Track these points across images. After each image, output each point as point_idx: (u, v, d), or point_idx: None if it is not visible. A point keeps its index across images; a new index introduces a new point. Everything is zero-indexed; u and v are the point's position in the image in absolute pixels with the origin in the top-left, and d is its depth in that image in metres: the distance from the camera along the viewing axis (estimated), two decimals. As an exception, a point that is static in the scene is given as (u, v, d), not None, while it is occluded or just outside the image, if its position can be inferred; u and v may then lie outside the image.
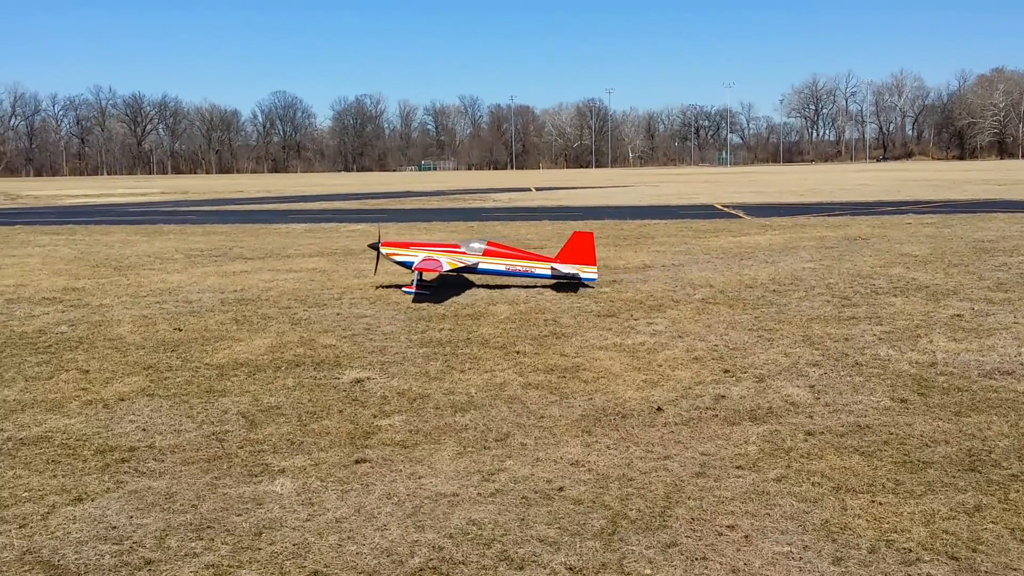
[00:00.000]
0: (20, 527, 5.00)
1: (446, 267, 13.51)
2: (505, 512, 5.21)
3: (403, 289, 13.69)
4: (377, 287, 14.19)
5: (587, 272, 13.82)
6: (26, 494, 5.53)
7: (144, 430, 6.89)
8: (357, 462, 6.12)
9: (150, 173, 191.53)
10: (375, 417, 7.23)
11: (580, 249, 13.83)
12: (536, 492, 5.53)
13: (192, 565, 4.52)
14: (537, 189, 63.60)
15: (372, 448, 6.44)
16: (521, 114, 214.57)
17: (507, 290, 13.83)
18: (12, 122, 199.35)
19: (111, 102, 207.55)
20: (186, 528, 4.99)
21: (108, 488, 5.62)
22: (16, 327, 11.14)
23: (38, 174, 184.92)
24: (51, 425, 7.00)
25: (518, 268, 13.97)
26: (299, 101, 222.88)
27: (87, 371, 8.81)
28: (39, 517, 5.14)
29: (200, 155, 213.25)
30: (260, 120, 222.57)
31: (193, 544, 4.78)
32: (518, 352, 9.58)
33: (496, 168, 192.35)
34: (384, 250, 14.06)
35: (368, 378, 8.49)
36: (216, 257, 19.61)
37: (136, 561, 4.57)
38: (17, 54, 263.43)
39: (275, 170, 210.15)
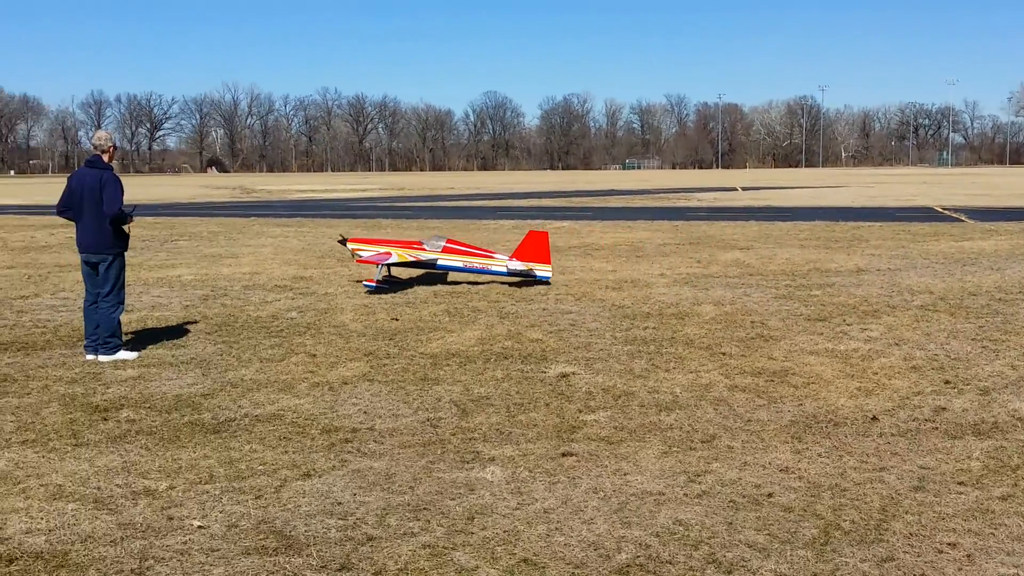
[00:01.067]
0: (256, 498, 5.41)
1: (395, 259, 14.05)
2: (712, 515, 5.17)
3: (364, 283, 14.01)
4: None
5: (541, 270, 14.30)
6: (261, 467, 5.98)
7: (365, 413, 7.29)
8: (564, 455, 6.23)
9: (369, 170, 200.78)
10: (580, 412, 7.32)
11: (535, 247, 14.29)
12: (744, 497, 5.44)
13: (410, 544, 4.75)
14: (743, 189, 62.00)
15: (578, 442, 6.53)
16: (728, 112, 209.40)
17: (711, 291, 13.64)
18: (248, 121, 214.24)
19: (336, 103, 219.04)
20: (404, 508, 5.25)
21: (334, 466, 6.00)
22: (252, 312, 12.04)
23: (270, 170, 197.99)
24: (283, 404, 7.52)
25: (475, 265, 14.48)
26: (509, 101, 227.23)
27: (314, 355, 9.40)
28: (272, 490, 5.55)
29: (415, 153, 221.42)
30: (471, 119, 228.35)
31: (411, 524, 5.02)
32: (724, 353, 9.43)
33: (701, 167, 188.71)
34: (350, 245, 14.68)
35: (573, 373, 8.60)
36: (429, 251, 20.36)
37: (359, 536, 4.86)
38: (254, 58, 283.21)
39: (484, 168, 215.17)
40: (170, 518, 5.08)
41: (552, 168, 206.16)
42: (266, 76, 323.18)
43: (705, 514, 5.17)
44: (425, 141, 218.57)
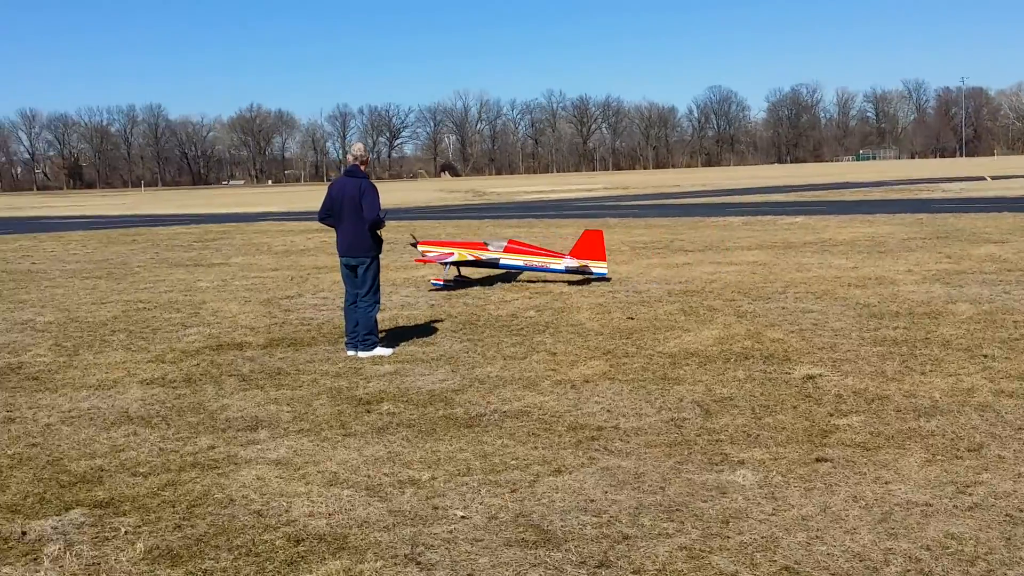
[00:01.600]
0: (511, 491, 5.61)
1: (455, 258, 14.88)
2: (987, 529, 4.85)
3: (431, 281, 15.11)
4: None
5: (596, 267, 14.75)
6: (513, 462, 6.18)
7: (609, 411, 7.37)
8: (817, 460, 6.04)
9: (593, 170, 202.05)
10: (831, 416, 7.07)
11: (590, 245, 14.80)
12: (1022, 511, 5.07)
13: (666, 545, 4.77)
14: (992, 178, 57.40)
15: (831, 447, 6.31)
16: (973, 96, 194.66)
17: (966, 288, 12.77)
18: (478, 126, 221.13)
19: (561, 105, 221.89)
20: (656, 508, 5.27)
21: (583, 463, 6.11)
22: (492, 311, 12.45)
23: (498, 173, 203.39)
24: (529, 401, 7.74)
25: (535, 264, 14.96)
26: (733, 94, 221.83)
27: (555, 353, 9.61)
28: (526, 484, 5.73)
29: (638, 151, 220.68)
30: (695, 115, 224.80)
31: (664, 524, 5.04)
32: (986, 356, 8.79)
33: (943, 156, 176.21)
34: (420, 247, 15.50)
35: (820, 375, 8.30)
36: (659, 249, 20.29)
37: (614, 535, 4.93)
38: (483, 66, 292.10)
39: (708, 164, 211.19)
40: (435, 507, 5.35)
41: (780, 162, 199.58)
42: (494, 82, 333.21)
43: (979, 528, 4.86)
44: (648, 139, 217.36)
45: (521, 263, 15.22)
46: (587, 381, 8.38)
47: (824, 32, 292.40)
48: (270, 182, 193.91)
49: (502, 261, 15.20)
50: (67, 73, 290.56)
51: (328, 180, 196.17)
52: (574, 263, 14.85)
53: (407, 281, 15.87)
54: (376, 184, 9.97)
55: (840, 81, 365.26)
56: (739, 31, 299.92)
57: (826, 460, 6.04)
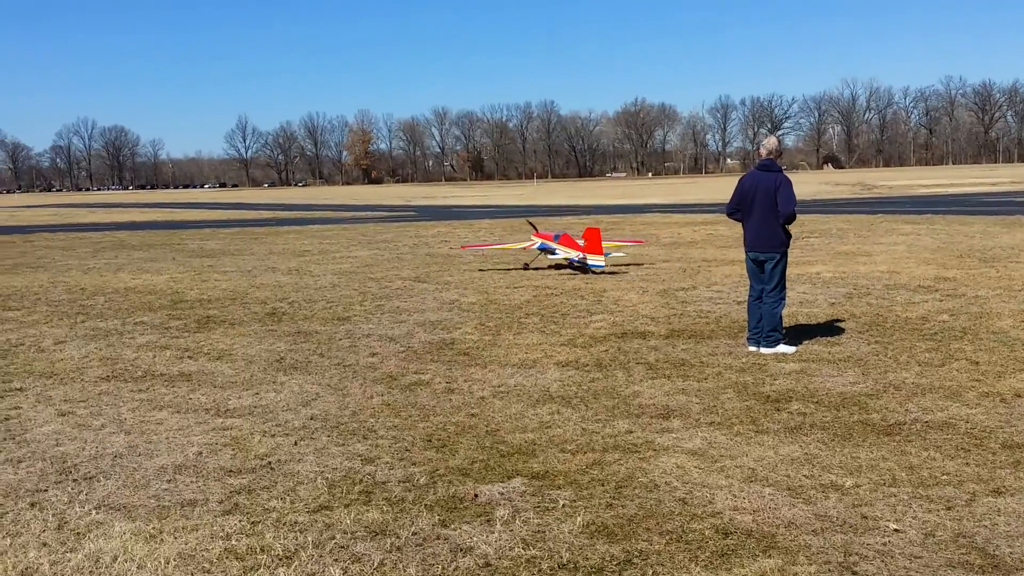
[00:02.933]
0: (947, 508, 5.29)
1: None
2: None
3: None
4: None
5: (593, 259, 16.71)
6: (944, 477, 5.82)
7: (1051, 432, 6.69)
8: None
9: (995, 162, 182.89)
10: None
11: (592, 241, 16.83)
12: None
13: None
14: None
15: None
16: None
17: None
18: (866, 116, 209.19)
19: (960, 91, 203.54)
20: None
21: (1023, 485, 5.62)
22: (900, 312, 11.76)
23: (886, 165, 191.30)
24: (953, 412, 7.23)
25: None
26: None
27: (977, 363, 8.88)
28: (963, 503, 5.38)
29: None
30: None
31: None
32: None
33: None
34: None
35: None
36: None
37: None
38: (874, 52, 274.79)
39: None
40: (864, 516, 5.20)
41: None
42: (886, 69, 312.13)
43: None
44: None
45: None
46: (1019, 396, 7.67)
47: None
48: (650, 174, 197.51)
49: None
50: (474, 73, 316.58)
51: (710, 171, 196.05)
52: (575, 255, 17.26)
53: (801, 277, 15.44)
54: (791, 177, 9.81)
55: None
56: None
57: None
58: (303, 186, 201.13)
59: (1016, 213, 31.46)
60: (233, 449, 6.80)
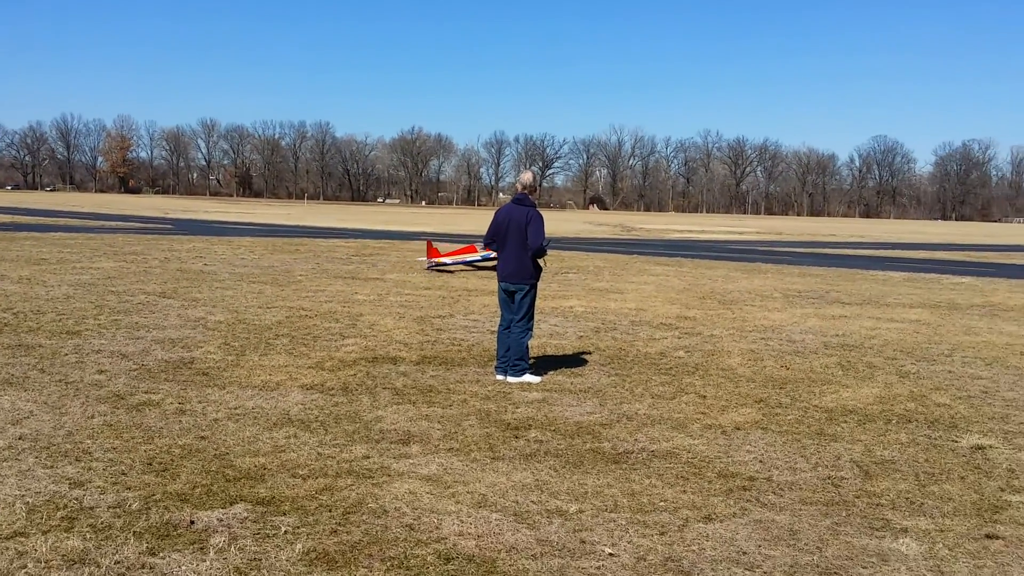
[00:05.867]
0: (660, 534, 5.51)
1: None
2: None
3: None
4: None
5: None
6: (662, 503, 6.08)
7: (761, 462, 7.17)
8: (988, 536, 5.69)
9: (744, 212, 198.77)
10: (1002, 491, 6.66)
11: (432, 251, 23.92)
12: None
13: (826, 606, 4.59)
14: None
15: (1003, 524, 5.94)
16: None
17: None
18: (631, 162, 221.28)
19: (716, 145, 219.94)
20: (813, 569, 5.07)
21: (734, 513, 5.96)
22: (641, 347, 12.34)
23: (647, 209, 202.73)
24: (677, 443, 7.62)
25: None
26: (899, 146, 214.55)
27: (704, 396, 9.43)
28: (675, 528, 5.63)
29: (793, 197, 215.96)
30: (856, 164, 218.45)
31: (823, 585, 4.85)
32: None
33: None
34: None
35: (990, 446, 7.85)
36: (814, 299, 19.69)
37: (768, 589, 4.78)
38: (640, 101, 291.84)
39: (866, 215, 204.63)
40: (582, 541, 5.32)
41: (944, 218, 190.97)
42: (650, 119, 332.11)
43: None
44: (805, 185, 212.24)
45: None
46: (738, 428, 8.19)
47: (1000, 88, 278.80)
48: (424, 203, 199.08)
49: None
50: (245, 86, 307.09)
51: (483, 204, 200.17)
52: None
53: (555, 310, 15.93)
54: (543, 212, 10.07)
55: (1016, 139, 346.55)
56: (908, 81, 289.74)
57: (997, 537, 5.69)
58: (51, 191, 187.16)
59: (756, 260, 34.12)
60: (-82, 471, 6.06)
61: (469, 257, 24.25)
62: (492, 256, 20.49)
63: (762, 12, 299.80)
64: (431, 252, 24.09)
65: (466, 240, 32.90)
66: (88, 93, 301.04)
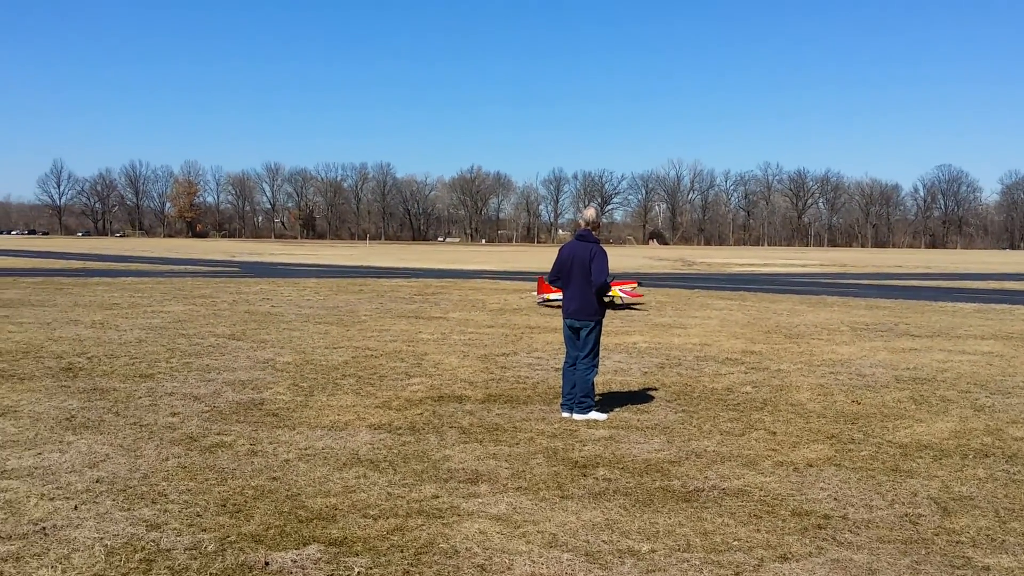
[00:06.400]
0: (735, 574, 5.43)
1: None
2: None
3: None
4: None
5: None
6: (736, 543, 6.00)
7: (836, 499, 7.03)
8: (1076, 576, 5.50)
9: (807, 245, 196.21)
10: (1087, 529, 6.43)
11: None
12: None
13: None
14: None
15: (1091, 564, 5.73)
16: None
17: None
18: (690, 196, 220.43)
19: (777, 178, 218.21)
20: (894, 608, 4.95)
21: (810, 552, 5.84)
22: (707, 383, 12.22)
23: (707, 243, 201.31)
24: (748, 480, 7.51)
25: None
26: (964, 174, 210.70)
27: (774, 432, 9.30)
28: (751, 568, 5.54)
29: (856, 229, 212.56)
30: (921, 194, 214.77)
31: (904, 626, 4.72)
32: None
33: None
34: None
35: (1075, 482, 7.59)
36: (883, 332, 19.31)
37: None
38: (700, 135, 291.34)
39: (932, 245, 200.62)
40: (656, 581, 5.27)
41: (1013, 247, 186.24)
42: (709, 152, 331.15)
43: None
44: (868, 216, 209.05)
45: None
46: (810, 465, 8.05)
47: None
48: (483, 241, 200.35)
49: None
50: (308, 130, 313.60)
51: (543, 241, 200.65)
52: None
53: (618, 347, 15.87)
54: (606, 249, 10.08)
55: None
56: (972, 108, 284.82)
57: (1085, 577, 5.49)
58: (121, 236, 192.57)
59: (821, 293, 33.61)
60: (4, 513, 6.24)
61: None
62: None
63: (820, 42, 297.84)
64: (543, 288, 24.69)
65: (529, 277, 33.15)
66: (156, 140, 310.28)
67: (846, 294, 33.35)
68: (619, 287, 25.22)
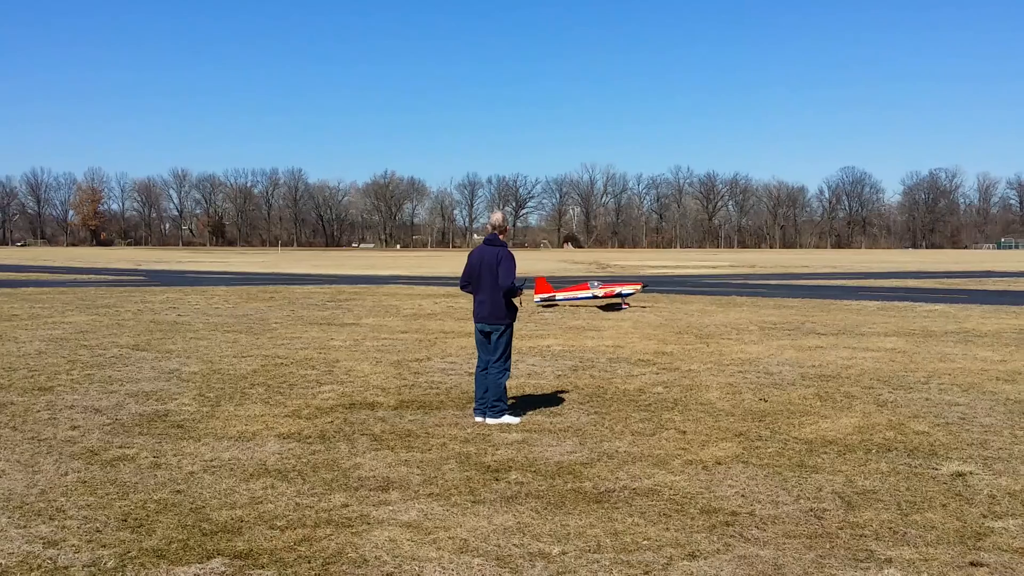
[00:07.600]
0: (645, 574, 5.46)
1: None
2: None
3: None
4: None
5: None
6: (645, 542, 6.04)
7: (743, 496, 7.14)
8: (972, 564, 5.68)
9: (717, 247, 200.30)
10: (984, 517, 6.66)
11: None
12: None
13: (811, 641, 4.54)
14: None
15: (986, 551, 5.93)
16: None
17: None
18: (603, 200, 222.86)
19: (688, 181, 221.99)
20: (799, 602, 5.04)
21: (718, 549, 5.92)
22: (619, 384, 12.33)
23: (621, 246, 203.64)
24: (659, 479, 7.58)
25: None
26: (868, 176, 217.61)
27: (684, 432, 9.41)
28: (660, 567, 5.58)
29: (765, 230, 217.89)
30: (826, 196, 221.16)
31: (808, 619, 4.80)
32: None
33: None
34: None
35: (970, 472, 7.86)
36: (790, 331, 19.79)
37: (755, 625, 4.73)
38: (611, 139, 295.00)
39: (838, 245, 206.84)
40: (567, 583, 5.26)
41: (914, 247, 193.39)
42: (622, 156, 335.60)
43: None
44: (776, 218, 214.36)
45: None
46: (719, 463, 8.16)
47: (966, 115, 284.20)
48: (398, 246, 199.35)
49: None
50: (216, 135, 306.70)
51: (457, 246, 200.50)
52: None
53: (532, 350, 15.91)
54: (513, 252, 10.08)
55: (982, 166, 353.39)
56: (875, 111, 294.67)
57: (981, 565, 5.68)
58: (22, 246, 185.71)
59: (731, 294, 34.32)
60: None
61: (581, 294, 25.75)
62: (601, 295, 23.89)
63: (726, 46, 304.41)
64: (543, 288, 25.07)
65: (443, 283, 32.95)
66: (58, 146, 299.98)
67: (755, 294, 34.12)
68: (624, 288, 25.89)
